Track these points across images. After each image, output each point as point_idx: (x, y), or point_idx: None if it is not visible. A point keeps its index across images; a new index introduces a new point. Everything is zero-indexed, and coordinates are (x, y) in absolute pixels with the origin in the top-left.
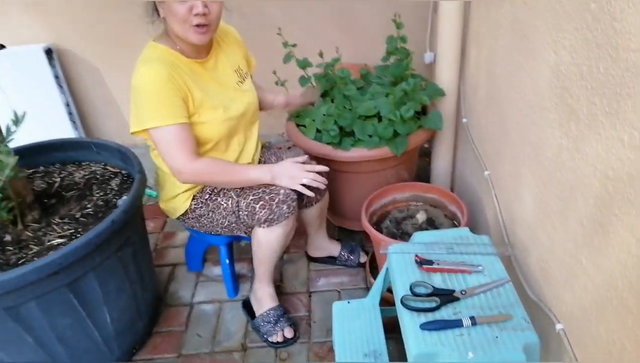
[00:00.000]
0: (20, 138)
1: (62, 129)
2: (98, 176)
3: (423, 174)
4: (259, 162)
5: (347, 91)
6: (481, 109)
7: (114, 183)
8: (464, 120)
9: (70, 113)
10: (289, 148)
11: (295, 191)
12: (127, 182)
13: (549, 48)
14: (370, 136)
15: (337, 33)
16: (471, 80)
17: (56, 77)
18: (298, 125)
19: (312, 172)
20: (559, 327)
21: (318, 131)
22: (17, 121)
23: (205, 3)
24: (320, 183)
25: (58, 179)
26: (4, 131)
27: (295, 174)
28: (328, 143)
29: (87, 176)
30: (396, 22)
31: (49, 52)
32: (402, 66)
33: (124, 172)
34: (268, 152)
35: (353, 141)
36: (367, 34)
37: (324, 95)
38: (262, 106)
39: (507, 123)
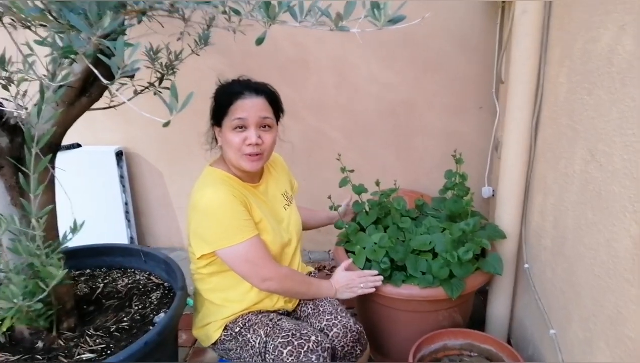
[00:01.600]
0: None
1: (116, 225)
2: (140, 287)
3: (477, 316)
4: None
5: (402, 223)
6: (546, 258)
7: (155, 296)
8: (526, 266)
9: (127, 212)
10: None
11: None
12: (167, 296)
13: (629, 217)
14: (423, 273)
15: (394, 161)
16: (535, 225)
17: (121, 176)
18: (347, 251)
19: (367, 278)
20: None
21: (368, 260)
22: (75, 229)
23: (259, 134)
24: (376, 281)
25: (101, 285)
26: (60, 236)
27: (351, 283)
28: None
29: (130, 285)
30: (456, 158)
31: (119, 154)
32: (461, 203)
33: (166, 284)
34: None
35: (404, 276)
36: (423, 163)
37: (376, 222)
38: (305, 226)
39: (577, 281)
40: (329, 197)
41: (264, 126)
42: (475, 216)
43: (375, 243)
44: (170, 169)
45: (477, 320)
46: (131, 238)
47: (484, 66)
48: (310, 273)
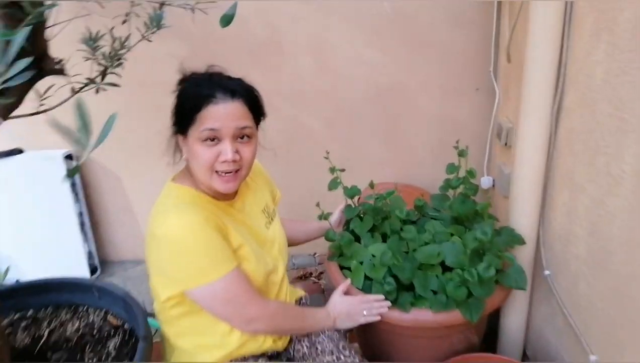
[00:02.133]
0: (25, 249)
1: (71, 240)
2: (95, 332)
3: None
4: None
5: (405, 232)
6: (578, 269)
7: (113, 344)
8: (546, 272)
9: (82, 223)
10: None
11: None
12: (128, 343)
13: None
14: (434, 292)
15: (383, 151)
16: (559, 228)
17: (73, 184)
18: (341, 267)
19: (371, 303)
20: None
21: (367, 277)
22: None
23: (235, 147)
24: (382, 307)
25: (46, 333)
26: None
27: (352, 310)
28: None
29: (82, 330)
30: (458, 149)
31: (68, 158)
32: (469, 204)
33: (126, 326)
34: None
35: (412, 297)
36: (416, 152)
37: (372, 229)
38: (291, 241)
39: (632, 306)
40: (318, 204)
41: (242, 137)
42: (490, 220)
43: (374, 256)
44: (129, 172)
45: (488, 334)
46: (89, 252)
47: (480, 41)
48: (301, 299)
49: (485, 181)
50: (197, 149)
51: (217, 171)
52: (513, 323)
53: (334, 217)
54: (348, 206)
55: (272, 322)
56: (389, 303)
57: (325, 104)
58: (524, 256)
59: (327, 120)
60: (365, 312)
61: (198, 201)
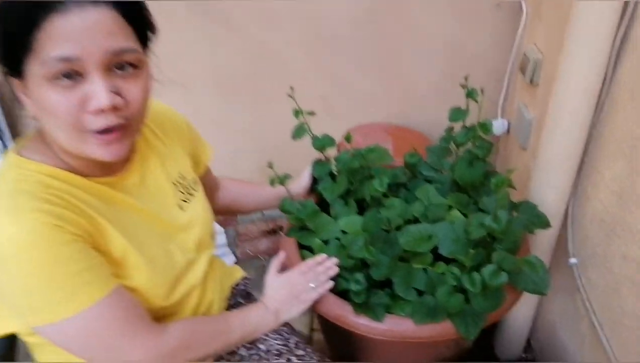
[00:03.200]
0: None
1: None
2: None
3: None
4: (229, 308)
5: (385, 209)
6: (622, 270)
7: None
8: (572, 261)
9: None
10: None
11: None
12: None
13: None
14: (419, 292)
15: (374, 86)
16: (600, 209)
17: None
18: (301, 245)
19: (315, 270)
20: None
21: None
22: None
23: (116, 87)
24: (332, 269)
25: None
26: None
27: (295, 289)
28: (348, 298)
29: None
30: (467, 90)
31: None
32: (478, 170)
33: None
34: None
35: (388, 298)
36: (415, 88)
37: (346, 194)
38: (236, 208)
39: None
40: (270, 165)
41: (121, 67)
42: (504, 194)
43: (345, 233)
44: None
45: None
46: None
47: None
48: (237, 285)
49: (498, 126)
50: (46, 95)
51: (90, 131)
52: (518, 315)
53: (302, 182)
54: (317, 162)
55: (177, 354)
56: (335, 260)
57: (301, 25)
58: (542, 233)
59: (304, 46)
60: (312, 284)
61: (51, 189)
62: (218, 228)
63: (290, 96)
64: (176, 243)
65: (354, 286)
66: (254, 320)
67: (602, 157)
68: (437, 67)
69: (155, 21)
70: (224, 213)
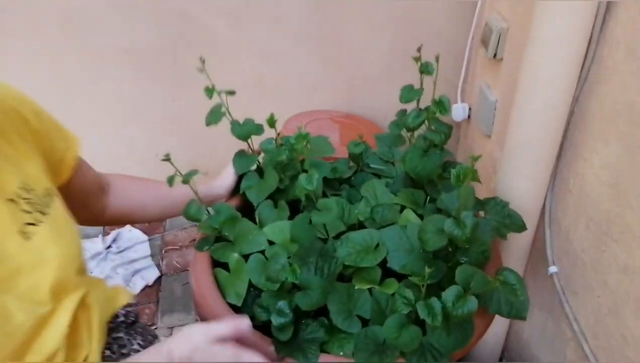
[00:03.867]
0: None
1: None
2: None
3: None
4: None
5: (316, 214)
6: (619, 284)
7: None
8: (552, 270)
9: None
10: None
11: None
12: None
13: None
14: (363, 321)
15: (315, 65)
16: (588, 206)
17: None
18: (216, 263)
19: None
20: None
21: (253, 286)
22: None
23: None
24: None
25: None
26: None
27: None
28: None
29: None
30: (421, 64)
31: None
32: (434, 160)
33: None
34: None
35: (324, 332)
36: (362, 67)
37: (278, 193)
38: (133, 217)
39: None
40: (167, 158)
41: None
42: (469, 190)
43: (273, 244)
44: None
45: None
46: None
47: None
48: (116, 317)
49: (457, 111)
50: None
51: None
52: (487, 334)
53: (223, 181)
54: (239, 154)
55: None
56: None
57: None
58: (516, 237)
59: (233, 17)
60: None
61: None
62: (140, 236)
63: (201, 70)
64: (16, 293)
65: (275, 320)
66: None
67: (589, 139)
68: (387, 43)
69: None
70: (118, 223)
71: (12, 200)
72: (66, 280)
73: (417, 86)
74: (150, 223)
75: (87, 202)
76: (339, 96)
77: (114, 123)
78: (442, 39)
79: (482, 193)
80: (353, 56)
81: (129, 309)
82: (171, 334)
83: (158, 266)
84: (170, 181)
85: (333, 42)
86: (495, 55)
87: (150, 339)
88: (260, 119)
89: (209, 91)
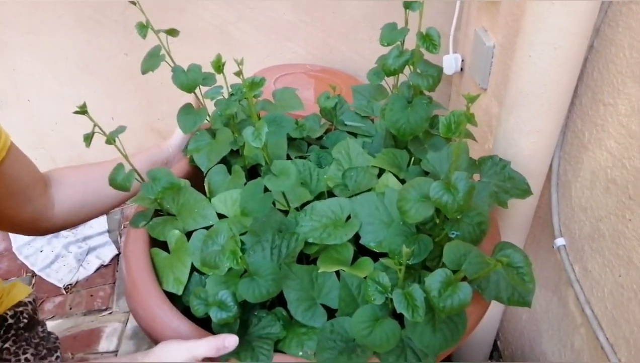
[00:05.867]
0: None
1: None
2: None
3: None
4: None
5: (277, 179)
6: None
7: None
8: (559, 242)
9: None
10: None
11: None
12: None
13: None
14: (331, 312)
15: (288, 11)
16: (602, 173)
17: None
18: (154, 241)
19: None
20: None
21: (197, 270)
22: None
23: None
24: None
25: None
26: None
27: None
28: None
29: None
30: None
31: None
32: (422, 112)
33: None
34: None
35: (279, 328)
36: (341, 14)
37: (229, 159)
38: (78, 213)
39: None
40: (82, 111)
41: None
42: (462, 145)
43: (223, 217)
44: None
45: None
46: None
47: None
48: (11, 314)
49: (449, 62)
50: None
51: None
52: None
53: (171, 142)
54: (185, 110)
55: None
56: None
57: None
58: (517, 203)
59: None
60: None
61: None
62: None
63: (132, 2)
64: None
65: (215, 314)
66: None
67: (612, 79)
68: None
69: None
70: (72, 221)
71: None
72: None
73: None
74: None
75: (29, 195)
76: (314, 46)
77: (59, 82)
78: None
79: (477, 155)
80: (330, 1)
81: (22, 307)
82: (127, 320)
83: (116, 242)
84: (87, 139)
85: None
86: None
87: (43, 351)
88: (227, 73)
89: (142, 28)
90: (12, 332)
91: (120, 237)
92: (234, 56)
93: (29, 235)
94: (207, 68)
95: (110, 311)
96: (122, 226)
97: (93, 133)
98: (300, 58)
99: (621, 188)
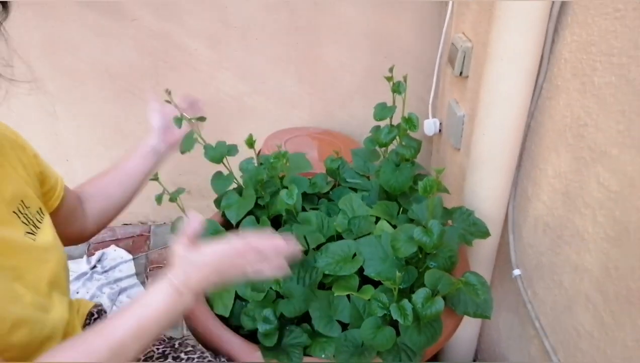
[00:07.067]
0: None
1: None
2: None
3: None
4: None
5: (298, 227)
6: (579, 287)
7: None
8: (516, 272)
9: None
10: None
11: None
12: None
13: None
14: (344, 327)
15: (292, 84)
16: (544, 212)
17: None
18: None
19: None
20: None
21: (239, 298)
22: None
23: None
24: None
25: None
26: None
27: (222, 267)
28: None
29: None
30: (393, 84)
31: None
32: (406, 174)
33: None
34: None
35: (305, 336)
36: (338, 85)
37: (257, 211)
38: (104, 214)
39: None
40: (155, 178)
41: None
42: (437, 200)
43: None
44: None
45: None
46: None
47: None
48: (91, 316)
49: (429, 126)
50: None
51: None
52: (462, 333)
53: (153, 134)
54: (217, 176)
55: None
56: (295, 244)
57: (205, 12)
58: (482, 242)
59: (211, 39)
60: (249, 268)
61: None
62: (125, 255)
63: (169, 101)
64: (23, 282)
65: (262, 327)
66: (153, 302)
67: (543, 151)
68: (361, 60)
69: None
70: (105, 224)
71: (15, 213)
72: (59, 279)
73: (390, 102)
74: (134, 242)
75: (74, 218)
76: (316, 113)
77: (98, 145)
78: (412, 57)
79: (453, 202)
80: (329, 75)
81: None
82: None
83: (143, 284)
84: (159, 200)
85: (309, 62)
86: (461, 73)
87: None
88: (241, 136)
89: (177, 121)
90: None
91: (147, 279)
92: (248, 120)
93: (75, 245)
94: (226, 132)
95: None
96: (148, 269)
97: (162, 194)
98: (304, 122)
99: (553, 229)
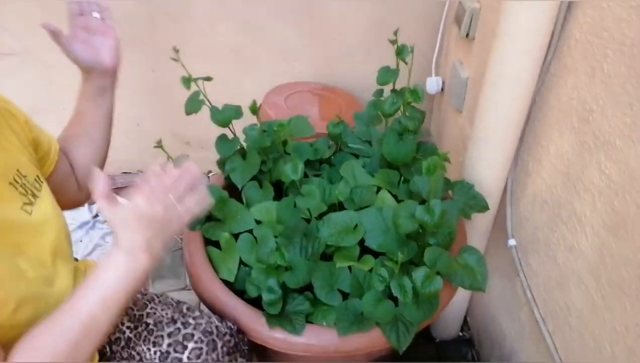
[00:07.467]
0: None
1: None
2: None
3: None
4: None
5: (305, 199)
6: (573, 266)
7: None
8: (511, 242)
9: None
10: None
11: None
12: None
13: None
14: (344, 294)
15: (294, 38)
16: (543, 189)
17: None
18: (207, 241)
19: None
20: None
21: (242, 263)
22: None
23: None
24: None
25: None
26: None
27: (153, 215)
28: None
29: None
30: (397, 47)
31: None
32: (408, 146)
33: None
34: None
35: (308, 304)
36: (340, 40)
37: (259, 176)
38: (94, 156)
39: None
40: (159, 146)
41: None
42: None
43: (259, 222)
44: None
45: None
46: None
47: None
48: None
49: (431, 84)
50: None
51: None
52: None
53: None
54: (221, 139)
55: None
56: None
57: None
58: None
59: None
60: (179, 207)
61: None
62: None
63: (175, 59)
64: (25, 256)
65: (266, 296)
66: (112, 273)
67: (547, 129)
68: (365, 15)
69: None
70: (99, 163)
71: (11, 184)
72: (62, 247)
73: (392, 60)
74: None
75: (69, 182)
76: (317, 67)
77: None
78: (418, 12)
79: (453, 166)
80: (331, 29)
81: None
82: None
83: None
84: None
85: (311, 15)
86: (467, 34)
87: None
88: (239, 89)
89: (186, 81)
90: None
91: None
92: (246, 73)
93: (74, 208)
94: (224, 85)
95: (146, 293)
96: None
97: (168, 158)
98: (305, 76)
99: (551, 207)
